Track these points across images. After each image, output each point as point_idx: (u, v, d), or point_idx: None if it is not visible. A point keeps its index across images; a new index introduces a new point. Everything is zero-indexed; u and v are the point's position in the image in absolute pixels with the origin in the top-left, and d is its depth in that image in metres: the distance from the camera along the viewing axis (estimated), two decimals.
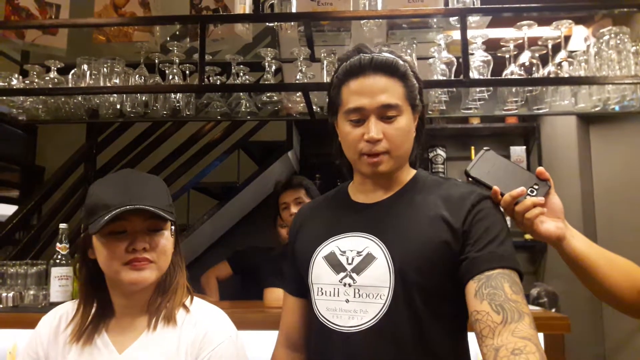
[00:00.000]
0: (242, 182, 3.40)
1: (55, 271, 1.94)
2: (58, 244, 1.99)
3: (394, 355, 1.01)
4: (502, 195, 1.01)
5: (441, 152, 3.73)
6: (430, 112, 2.19)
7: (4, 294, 2.00)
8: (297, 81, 2.04)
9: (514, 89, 1.98)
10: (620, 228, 2.71)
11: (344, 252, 1.08)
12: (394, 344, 1.01)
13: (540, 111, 2.06)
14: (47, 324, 1.15)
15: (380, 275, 1.03)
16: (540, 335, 1.80)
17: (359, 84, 1.07)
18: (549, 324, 1.63)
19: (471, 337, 1.05)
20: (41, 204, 3.32)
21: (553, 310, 2.91)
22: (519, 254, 3.51)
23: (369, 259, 1.05)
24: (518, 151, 3.59)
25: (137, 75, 2.22)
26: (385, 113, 1.06)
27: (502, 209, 1.06)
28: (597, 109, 1.99)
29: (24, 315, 1.78)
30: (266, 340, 1.34)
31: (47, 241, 3.13)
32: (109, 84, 2.24)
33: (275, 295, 2.17)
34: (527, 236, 3.56)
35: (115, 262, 1.04)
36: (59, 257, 1.97)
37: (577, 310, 2.75)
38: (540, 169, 1.02)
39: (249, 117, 2.27)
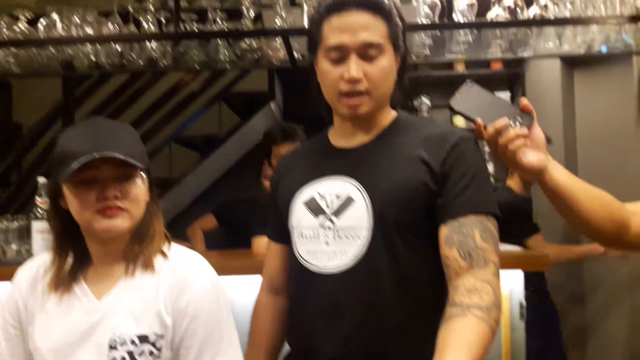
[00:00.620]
0: (224, 134, 3.37)
1: (37, 225, 1.92)
2: (38, 198, 1.97)
3: (373, 294, 1.02)
4: (486, 128, 1.00)
5: (426, 100, 3.71)
6: (414, 57, 2.15)
7: None
8: (277, 27, 1.98)
9: (498, 32, 1.95)
10: (602, 172, 2.74)
11: (323, 195, 1.08)
12: (373, 284, 1.02)
13: (525, 54, 2.04)
14: (25, 275, 1.14)
15: (359, 217, 1.04)
16: (521, 273, 1.85)
17: (341, 20, 1.03)
18: (529, 262, 1.67)
19: None
20: (20, 160, 3.27)
21: None
22: None
23: (348, 202, 1.05)
24: (503, 96, 3.58)
25: (111, 24, 2.14)
26: (367, 52, 1.03)
27: (484, 143, 1.05)
28: (581, 50, 1.97)
29: (7, 269, 1.76)
30: (252, 285, 1.36)
31: (28, 196, 3.09)
32: (81, 34, 2.16)
33: (262, 242, 2.17)
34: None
35: (86, 211, 1.02)
36: (40, 211, 1.95)
37: None
38: (523, 100, 1.01)
39: (228, 66, 2.22)
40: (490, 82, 3.66)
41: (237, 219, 3.06)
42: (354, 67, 1.02)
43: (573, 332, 2.87)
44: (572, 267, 2.89)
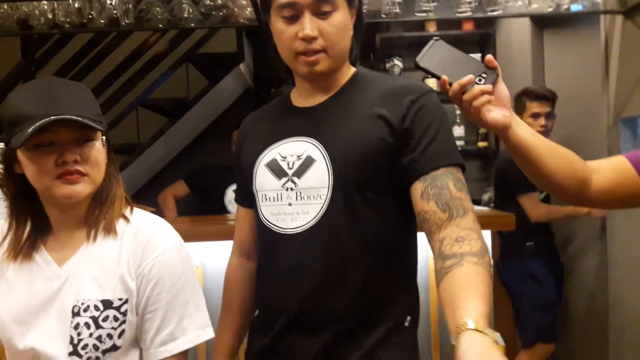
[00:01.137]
0: (193, 98, 3.29)
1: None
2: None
3: (333, 253, 1.03)
4: (451, 84, 0.99)
5: (398, 62, 3.69)
6: (384, 16, 2.11)
7: None
8: None
9: None
10: (569, 130, 2.78)
11: (285, 157, 1.07)
12: (333, 242, 1.03)
13: (494, 13, 2.02)
14: None
15: (319, 176, 1.03)
16: (489, 233, 1.88)
17: None
18: (496, 222, 1.70)
19: (420, 237, 1.08)
20: None
21: None
22: (472, 162, 3.60)
23: (308, 162, 1.04)
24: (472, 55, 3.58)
25: None
26: (320, 8, 1.00)
27: (449, 98, 1.04)
28: (550, 9, 1.96)
29: None
30: (226, 250, 1.35)
31: None
32: None
33: None
34: (480, 144, 3.64)
35: (45, 176, 0.98)
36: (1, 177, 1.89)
37: None
38: (488, 56, 1.00)
39: (193, 25, 2.14)
40: (461, 43, 3.66)
41: (208, 185, 3.03)
42: (308, 25, 1.00)
43: None
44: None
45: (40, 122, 0.93)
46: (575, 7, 1.96)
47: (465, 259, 0.88)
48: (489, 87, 0.98)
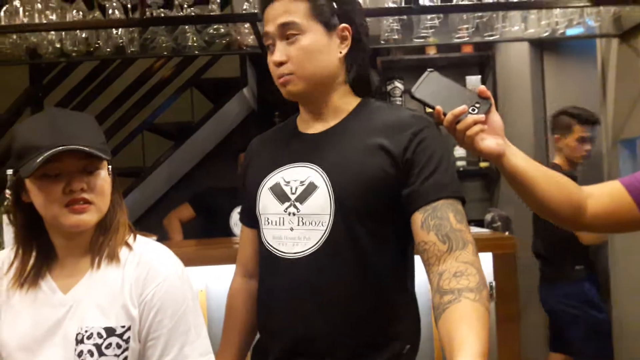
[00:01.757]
0: (198, 122, 3.34)
1: (7, 218, 1.90)
2: (7, 191, 1.94)
3: (335, 278, 1.05)
4: (445, 114, 1.02)
5: (399, 85, 3.72)
6: (382, 42, 2.16)
7: None
8: (244, 11, 1.96)
9: (464, 16, 1.96)
10: None
11: (288, 182, 1.09)
12: (335, 267, 1.05)
13: (491, 38, 2.06)
14: None
15: (321, 203, 1.05)
16: (489, 255, 1.89)
17: (268, 11, 1.09)
18: (497, 244, 1.71)
19: (417, 260, 1.09)
20: None
21: (506, 233, 3.04)
22: (474, 182, 3.59)
23: (311, 188, 1.07)
24: (474, 80, 3.60)
25: (75, 11, 2.10)
26: (285, 33, 1.06)
27: (444, 129, 1.07)
28: (546, 34, 2.00)
29: None
30: (230, 273, 1.37)
31: None
32: (45, 21, 2.11)
33: None
34: (482, 164, 3.66)
35: (53, 205, 1.01)
36: (9, 203, 1.92)
37: (529, 234, 2.88)
38: (481, 87, 1.03)
39: (197, 52, 2.20)
40: (461, 66, 3.70)
41: (213, 208, 3.06)
42: (277, 52, 1.07)
43: None
44: None
45: (49, 152, 0.97)
46: (571, 32, 2.00)
47: (462, 295, 0.89)
48: (481, 117, 1.01)
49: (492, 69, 3.55)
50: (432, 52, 3.61)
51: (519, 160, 1.03)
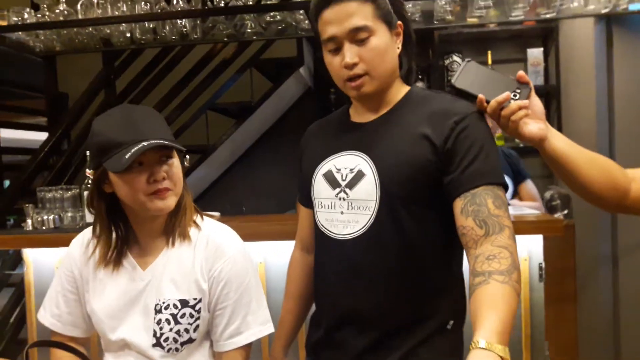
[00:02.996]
0: (257, 101, 3.46)
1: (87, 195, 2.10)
2: (87, 170, 2.13)
3: (381, 259, 1.13)
4: (488, 102, 1.05)
5: (457, 59, 3.66)
6: (436, 23, 2.17)
7: (45, 217, 2.20)
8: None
9: None
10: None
11: (339, 169, 1.18)
12: (381, 250, 1.13)
13: (549, 15, 2.02)
14: (78, 246, 1.28)
15: (368, 190, 1.13)
16: (540, 237, 1.90)
17: (329, 13, 1.10)
18: (544, 227, 1.73)
19: None
20: (69, 129, 3.46)
21: (565, 211, 3.00)
22: (534, 159, 3.46)
23: (359, 176, 1.14)
24: (535, 53, 3.50)
25: (143, 3, 2.24)
26: (356, 36, 1.09)
27: (488, 116, 1.10)
28: (606, 10, 1.94)
29: (65, 236, 1.96)
30: (286, 248, 1.48)
31: (79, 165, 3.30)
32: (117, 13, 2.27)
33: None
34: None
35: (139, 194, 1.13)
36: (89, 181, 2.11)
37: (589, 213, 2.82)
38: (520, 73, 1.05)
39: (254, 38, 2.29)
40: (522, 38, 3.59)
41: None
42: (348, 54, 1.09)
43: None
44: (604, 228, 2.89)
45: (136, 148, 1.08)
46: (634, 7, 1.92)
47: (492, 277, 0.94)
48: (525, 102, 1.03)
49: (555, 41, 3.42)
50: (492, 24, 3.52)
51: (560, 143, 1.04)
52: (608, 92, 2.90)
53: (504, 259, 0.96)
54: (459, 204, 1.06)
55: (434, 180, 1.10)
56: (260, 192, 3.85)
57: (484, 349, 0.83)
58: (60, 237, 2.01)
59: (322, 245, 1.23)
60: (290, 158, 2.76)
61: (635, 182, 1.06)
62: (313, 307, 1.32)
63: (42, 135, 3.89)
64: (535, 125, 1.03)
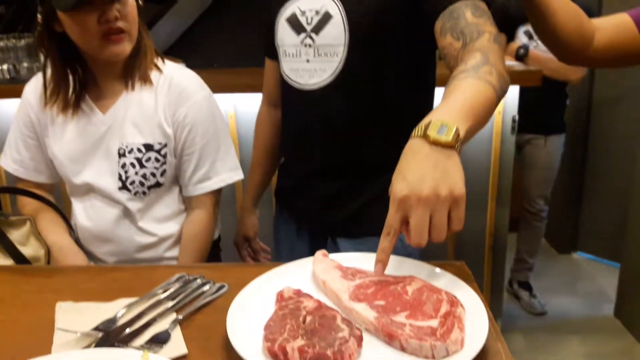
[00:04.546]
0: None
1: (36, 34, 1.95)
2: (39, 16, 1.96)
3: (351, 108, 1.08)
4: None
5: None
6: None
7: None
8: None
9: None
10: None
11: (304, 12, 1.08)
12: (350, 98, 1.08)
13: None
14: (32, 91, 1.21)
15: (336, 33, 1.05)
16: (517, 88, 1.88)
17: None
18: (521, 77, 1.70)
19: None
20: None
21: None
22: None
23: (326, 18, 1.06)
24: None
25: None
26: None
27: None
28: None
29: (21, 86, 1.85)
30: (256, 100, 1.44)
31: (33, 13, 3.05)
32: None
33: None
34: None
35: (91, 37, 1.05)
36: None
37: None
38: None
39: None
40: None
41: None
42: None
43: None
44: None
45: None
46: None
47: (457, 75, 0.83)
48: None
49: None
50: None
51: None
52: None
53: (472, 58, 0.84)
54: (438, 25, 0.96)
55: (406, 15, 1.01)
56: (233, 48, 3.66)
57: (414, 136, 0.74)
58: (16, 88, 1.90)
59: (288, 97, 1.17)
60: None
61: (599, 31, 1.02)
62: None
63: None
64: None
